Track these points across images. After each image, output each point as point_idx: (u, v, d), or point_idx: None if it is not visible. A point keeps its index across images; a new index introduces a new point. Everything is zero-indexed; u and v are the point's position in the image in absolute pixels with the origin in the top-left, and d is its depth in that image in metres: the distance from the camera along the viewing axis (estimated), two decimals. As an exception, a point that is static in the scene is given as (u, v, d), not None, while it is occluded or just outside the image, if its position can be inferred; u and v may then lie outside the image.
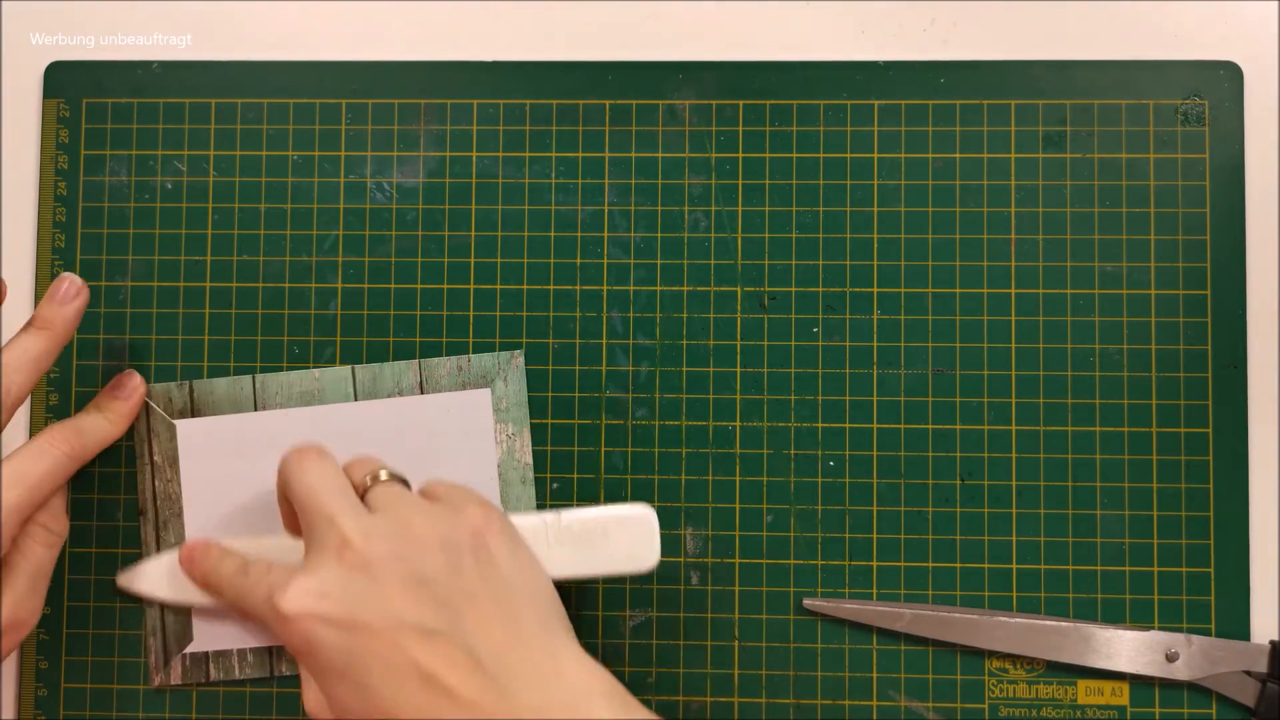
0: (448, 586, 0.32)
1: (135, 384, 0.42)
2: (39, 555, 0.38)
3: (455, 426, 0.42)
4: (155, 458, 0.42)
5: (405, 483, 0.37)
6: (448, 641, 0.31)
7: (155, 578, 0.40)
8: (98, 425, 0.40)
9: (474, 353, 0.42)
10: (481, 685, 0.30)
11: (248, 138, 0.44)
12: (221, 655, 0.42)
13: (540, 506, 0.42)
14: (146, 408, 0.42)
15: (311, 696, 0.33)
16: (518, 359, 0.42)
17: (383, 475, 0.36)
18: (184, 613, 0.42)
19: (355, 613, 0.31)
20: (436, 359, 0.42)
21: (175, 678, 0.42)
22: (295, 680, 0.42)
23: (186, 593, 0.39)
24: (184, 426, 0.42)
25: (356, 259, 0.43)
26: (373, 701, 0.31)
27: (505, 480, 0.42)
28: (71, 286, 0.39)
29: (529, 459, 0.42)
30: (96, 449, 0.40)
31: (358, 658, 0.31)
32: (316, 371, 0.42)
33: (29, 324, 0.38)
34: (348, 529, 0.33)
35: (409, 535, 0.33)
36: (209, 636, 0.42)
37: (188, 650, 0.42)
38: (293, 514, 0.37)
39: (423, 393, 0.42)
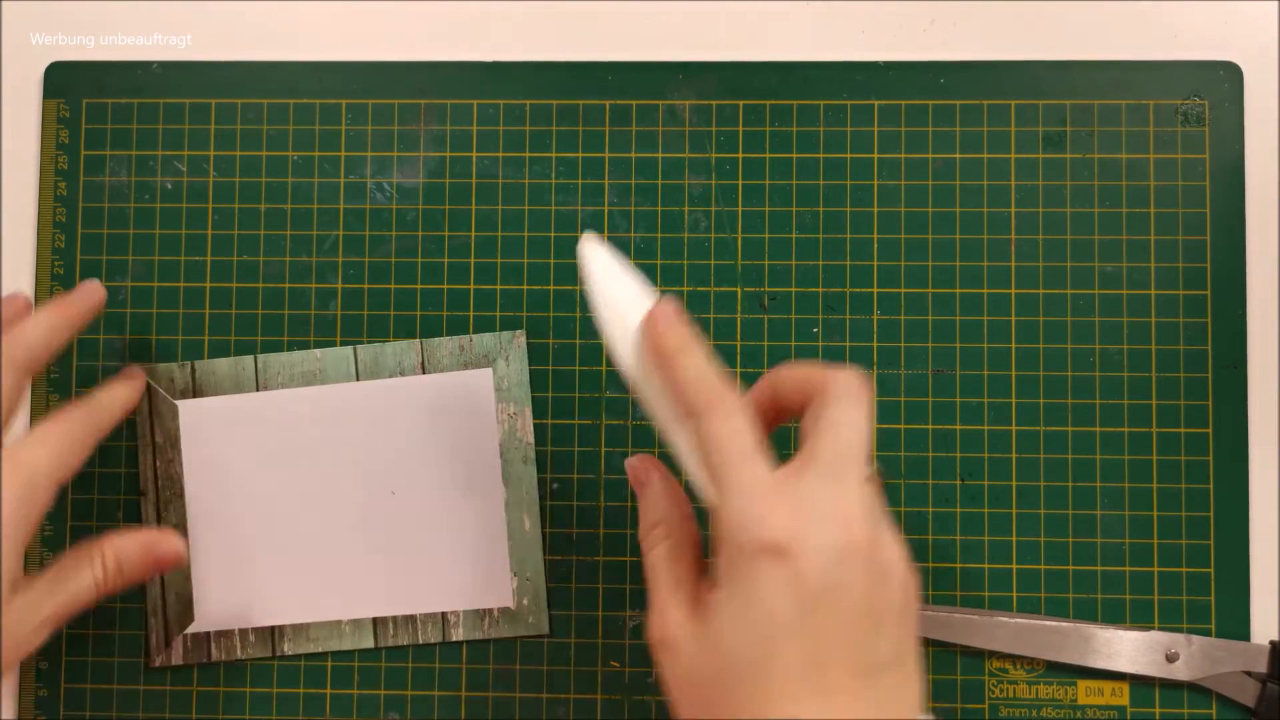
0: (896, 639, 0.29)
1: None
2: (73, 599, 0.36)
3: (458, 405, 0.42)
4: (157, 438, 0.42)
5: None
6: (873, 690, 0.28)
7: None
8: (111, 396, 0.40)
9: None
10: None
11: (248, 138, 0.44)
12: (223, 635, 0.42)
13: (540, 502, 0.42)
14: (149, 388, 0.42)
15: (675, 625, 0.30)
16: (519, 339, 0.42)
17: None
18: (185, 593, 0.42)
19: (824, 594, 0.28)
20: (439, 338, 0.42)
21: (176, 658, 0.42)
22: (295, 663, 0.42)
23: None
24: (186, 406, 0.42)
25: (356, 259, 0.43)
26: (759, 683, 0.28)
27: (507, 459, 0.42)
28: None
29: (531, 438, 0.42)
30: (113, 420, 0.39)
31: (789, 635, 0.28)
32: (319, 352, 0.43)
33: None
34: (855, 506, 0.29)
35: (896, 560, 0.30)
36: (210, 617, 0.42)
37: (189, 630, 0.42)
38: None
39: (424, 372, 0.42)
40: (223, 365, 0.42)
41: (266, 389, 0.42)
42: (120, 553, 0.37)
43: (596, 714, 0.42)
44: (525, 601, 0.42)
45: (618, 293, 0.34)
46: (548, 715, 0.42)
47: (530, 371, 0.43)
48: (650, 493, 0.34)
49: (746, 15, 0.44)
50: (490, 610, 0.42)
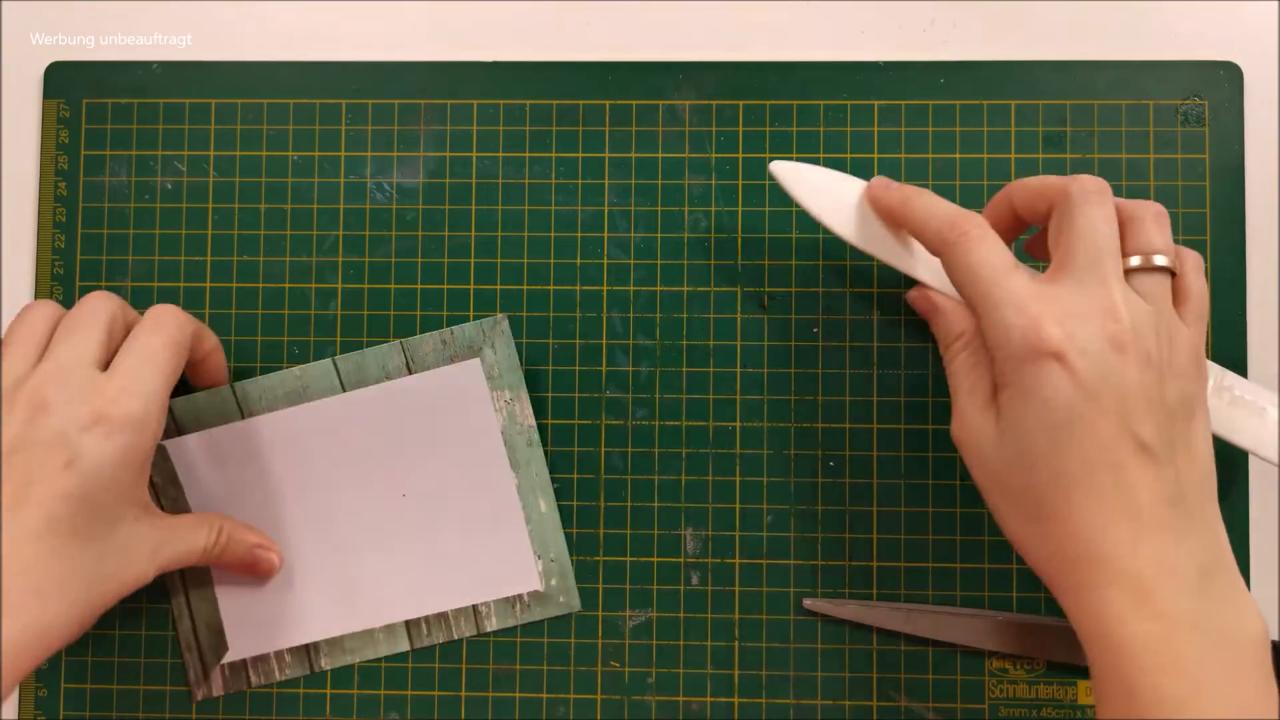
0: (1171, 420, 0.32)
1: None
2: (195, 548, 0.38)
3: (452, 400, 0.42)
4: (155, 479, 0.42)
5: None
6: (1158, 465, 0.31)
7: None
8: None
9: (455, 324, 0.42)
10: (1167, 519, 0.31)
11: (248, 138, 0.44)
12: (260, 660, 0.42)
13: (552, 479, 0.42)
14: None
15: (973, 421, 0.34)
16: (502, 323, 0.42)
17: (1159, 260, 0.33)
18: (215, 623, 0.42)
19: (1100, 384, 0.31)
20: (419, 336, 0.42)
21: (217, 689, 0.42)
22: (323, 679, 0.42)
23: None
24: (173, 447, 0.42)
25: (356, 259, 0.43)
26: (1053, 466, 0.32)
27: (511, 445, 0.42)
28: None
29: (531, 420, 0.42)
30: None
31: (1073, 423, 0.31)
32: (297, 370, 0.42)
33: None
34: (1118, 300, 0.32)
35: (1166, 347, 0.32)
36: (245, 643, 0.42)
37: (226, 660, 0.42)
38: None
39: (410, 372, 0.42)
40: (201, 399, 0.42)
41: (252, 415, 0.42)
42: (234, 535, 0.39)
43: (596, 714, 0.42)
44: (553, 582, 0.42)
45: (826, 183, 0.38)
46: (548, 715, 0.42)
47: (529, 375, 0.42)
48: (945, 312, 0.37)
49: (746, 15, 0.44)
50: (520, 596, 0.42)
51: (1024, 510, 0.33)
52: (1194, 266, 0.35)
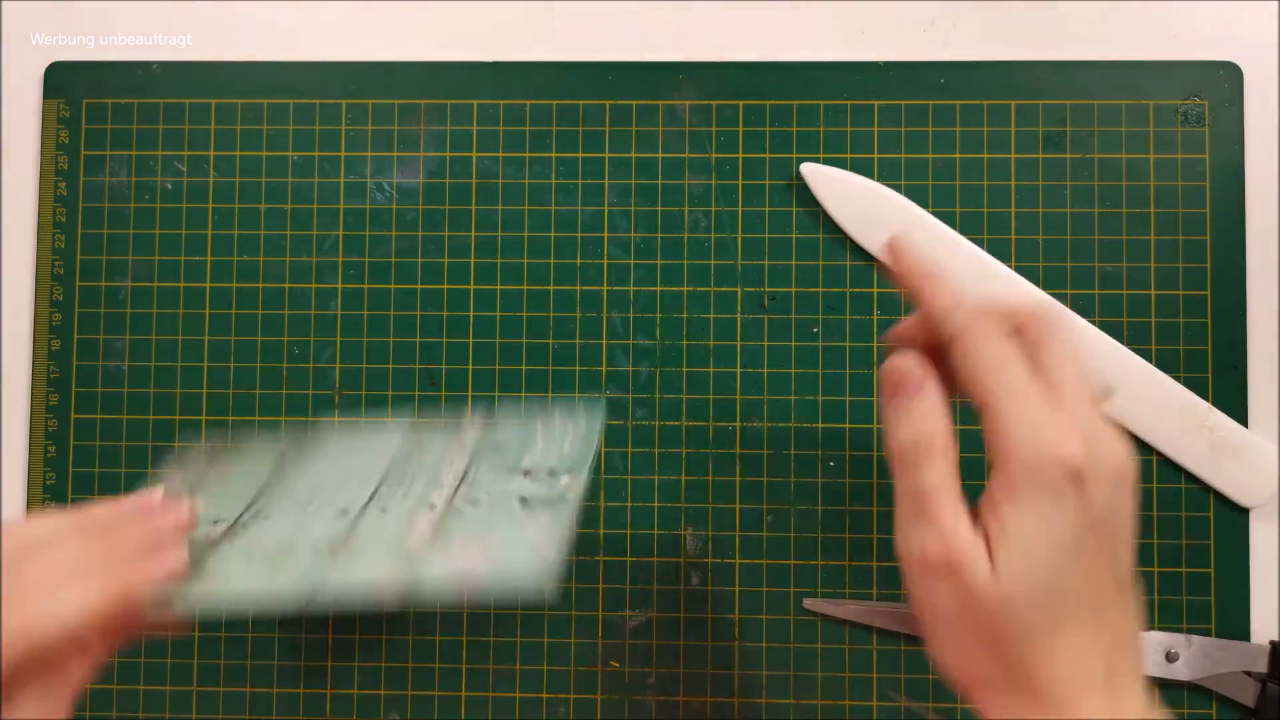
0: (1108, 571, 0.29)
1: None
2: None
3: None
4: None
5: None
6: (1128, 612, 0.29)
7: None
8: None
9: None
10: (1130, 672, 0.29)
11: (248, 138, 0.44)
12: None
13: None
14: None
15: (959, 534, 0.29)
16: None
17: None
18: None
19: (1108, 513, 0.28)
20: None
21: None
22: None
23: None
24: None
25: (356, 259, 0.43)
26: (1051, 603, 0.28)
27: None
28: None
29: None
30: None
31: (1078, 553, 0.28)
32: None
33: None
34: (1114, 429, 0.29)
35: (1109, 518, 0.29)
36: None
37: None
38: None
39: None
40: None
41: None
42: (133, 589, 0.31)
43: (596, 714, 0.42)
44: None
45: (852, 189, 0.40)
46: (548, 715, 0.42)
47: (529, 375, 0.42)
48: (925, 399, 0.30)
49: (746, 15, 0.44)
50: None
51: (989, 661, 0.29)
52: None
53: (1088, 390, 0.29)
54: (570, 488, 0.35)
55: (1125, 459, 0.29)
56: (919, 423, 0.30)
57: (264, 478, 0.37)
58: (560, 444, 0.37)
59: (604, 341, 0.43)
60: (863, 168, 0.43)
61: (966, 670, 0.29)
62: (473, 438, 0.37)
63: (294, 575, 0.34)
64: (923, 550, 0.29)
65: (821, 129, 0.43)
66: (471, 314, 0.43)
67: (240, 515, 0.36)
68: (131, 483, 0.43)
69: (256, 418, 0.43)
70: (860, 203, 0.41)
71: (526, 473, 0.36)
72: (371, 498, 0.36)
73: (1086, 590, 0.28)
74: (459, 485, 0.36)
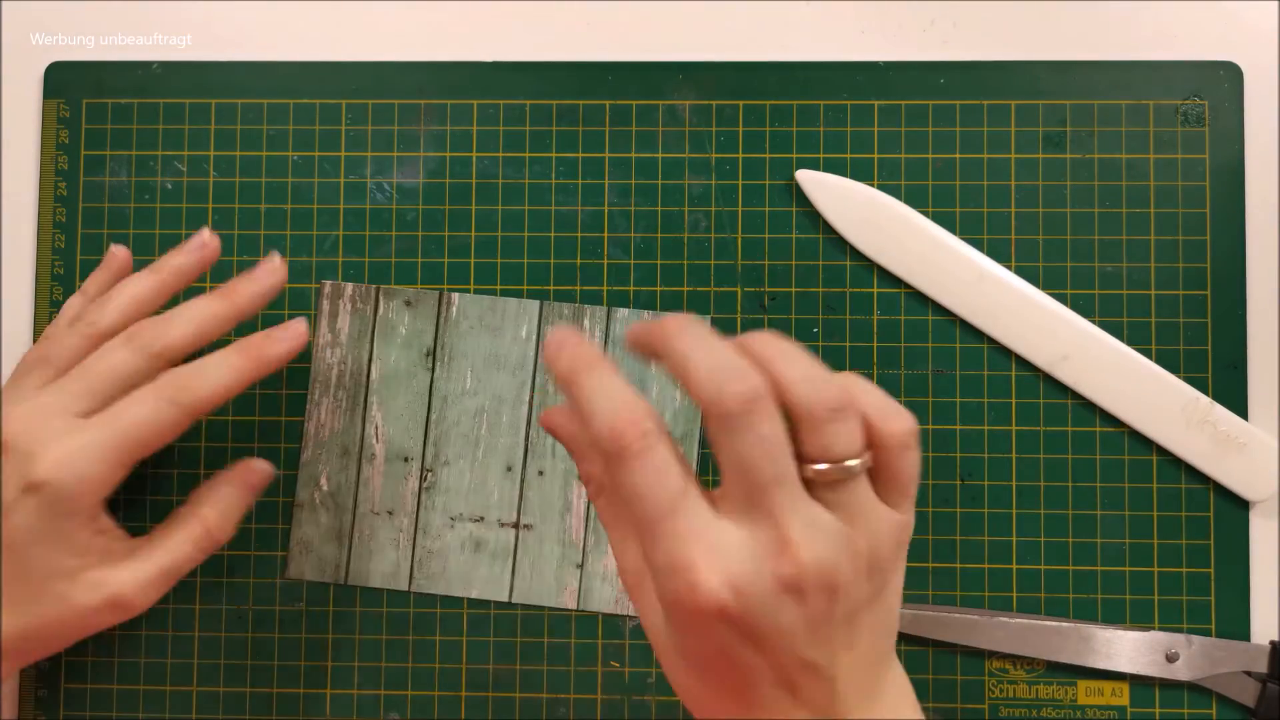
0: (849, 622, 0.28)
1: (272, 268, 0.39)
2: (185, 553, 0.37)
3: None
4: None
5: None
6: (826, 676, 0.28)
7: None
8: (213, 369, 0.36)
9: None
10: (831, 702, 0.28)
11: (248, 138, 0.44)
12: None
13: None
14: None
15: (654, 623, 0.30)
16: None
17: (849, 464, 0.27)
18: None
19: (769, 629, 0.27)
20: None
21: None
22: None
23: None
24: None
25: (356, 259, 0.43)
26: (722, 681, 0.28)
27: None
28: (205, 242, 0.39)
29: None
30: (212, 397, 0.36)
31: (735, 659, 0.28)
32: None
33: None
34: (793, 537, 0.26)
35: (863, 558, 0.28)
36: None
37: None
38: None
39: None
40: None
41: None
42: (226, 516, 0.38)
43: (596, 714, 0.42)
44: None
45: (847, 193, 0.40)
46: (548, 715, 0.42)
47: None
48: (574, 448, 0.32)
49: (746, 15, 0.44)
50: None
51: (703, 689, 0.29)
52: (900, 441, 0.28)
53: (764, 496, 0.27)
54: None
55: (794, 574, 0.26)
56: (578, 466, 0.32)
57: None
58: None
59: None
60: (863, 168, 0.43)
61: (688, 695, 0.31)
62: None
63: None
64: (619, 569, 0.31)
65: (821, 129, 0.43)
66: (471, 314, 0.43)
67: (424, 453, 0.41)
68: (131, 482, 0.43)
69: (257, 418, 0.43)
70: (857, 208, 0.41)
71: None
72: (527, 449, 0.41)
73: (759, 681, 0.28)
74: None
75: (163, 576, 0.36)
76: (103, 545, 0.36)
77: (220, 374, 0.36)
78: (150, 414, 0.35)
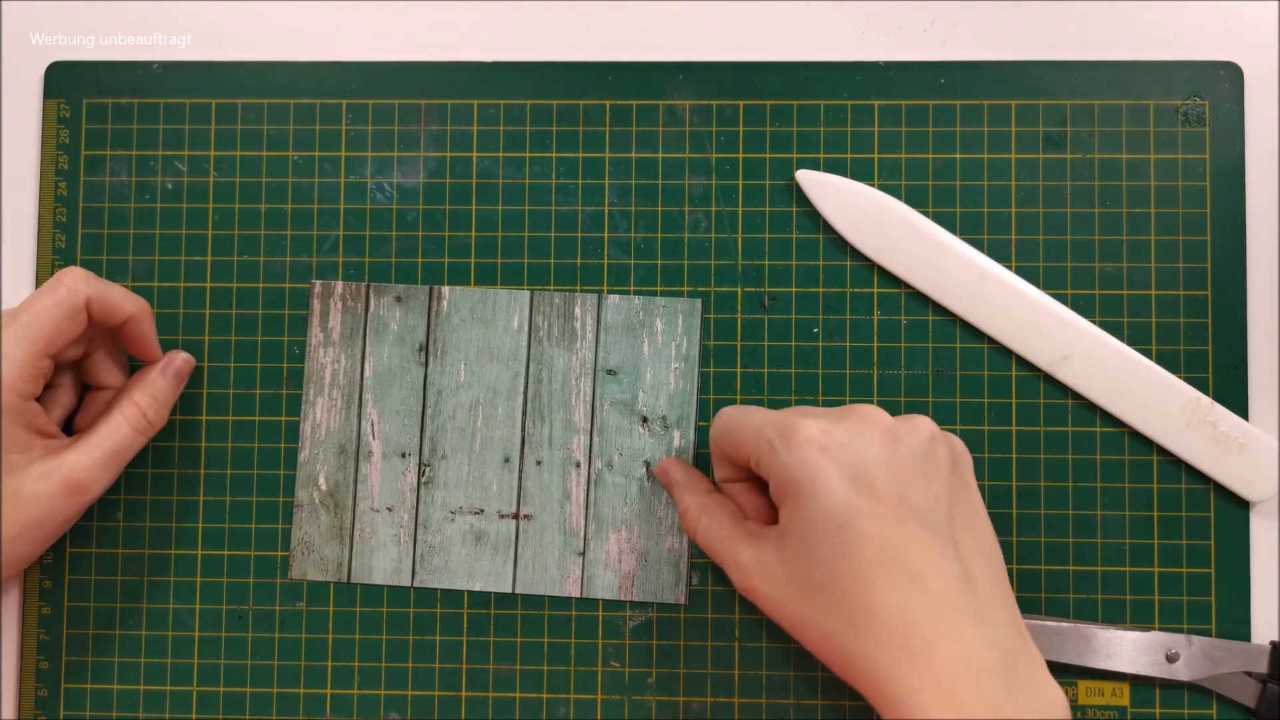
0: (949, 491, 0.33)
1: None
2: (124, 434, 0.39)
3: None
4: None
5: None
6: (940, 542, 0.32)
7: None
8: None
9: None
10: (960, 602, 0.31)
11: (248, 138, 0.44)
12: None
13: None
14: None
15: (752, 561, 0.34)
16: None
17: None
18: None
19: (868, 467, 0.32)
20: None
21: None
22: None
23: None
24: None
25: (356, 259, 0.43)
26: (848, 570, 0.32)
27: None
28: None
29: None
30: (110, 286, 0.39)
31: (854, 517, 0.32)
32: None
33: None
34: (850, 415, 0.34)
35: (909, 432, 0.34)
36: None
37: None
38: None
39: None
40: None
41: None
42: (157, 398, 0.40)
43: (596, 714, 0.42)
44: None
45: (847, 194, 0.42)
46: (548, 715, 0.42)
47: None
48: (675, 482, 0.40)
49: (746, 15, 0.44)
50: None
51: (838, 632, 0.32)
52: None
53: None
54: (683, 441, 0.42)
55: (869, 421, 0.34)
56: (682, 498, 0.39)
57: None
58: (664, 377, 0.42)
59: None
60: (863, 167, 0.43)
61: (839, 655, 0.33)
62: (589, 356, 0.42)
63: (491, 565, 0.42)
64: (739, 587, 0.36)
65: (821, 129, 0.43)
66: (471, 314, 0.43)
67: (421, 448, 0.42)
68: (131, 482, 0.43)
69: (257, 418, 0.43)
70: (857, 208, 0.41)
71: (644, 420, 0.41)
72: (524, 440, 0.42)
73: (880, 542, 0.32)
74: (591, 431, 0.42)
75: (109, 457, 0.38)
76: (44, 441, 0.38)
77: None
78: (50, 301, 0.37)
